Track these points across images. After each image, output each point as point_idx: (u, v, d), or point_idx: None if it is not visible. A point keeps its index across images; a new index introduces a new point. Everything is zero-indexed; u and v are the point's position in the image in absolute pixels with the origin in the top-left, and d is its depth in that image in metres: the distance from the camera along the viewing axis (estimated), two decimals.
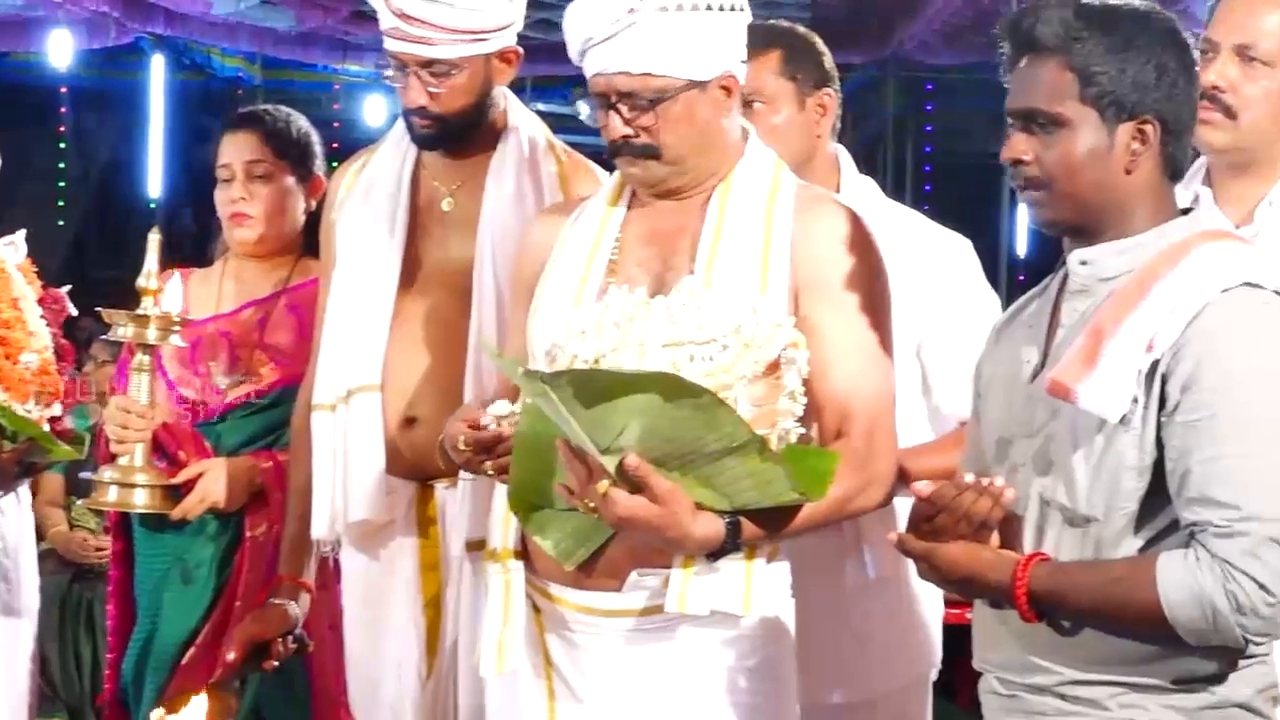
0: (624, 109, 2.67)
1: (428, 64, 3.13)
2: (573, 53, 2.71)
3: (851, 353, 2.65)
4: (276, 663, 3.37)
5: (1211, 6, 2.99)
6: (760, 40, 3.10)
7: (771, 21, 3.37)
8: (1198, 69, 2.35)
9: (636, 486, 2.43)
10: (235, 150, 3.68)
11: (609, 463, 2.42)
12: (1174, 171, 2.34)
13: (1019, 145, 2.32)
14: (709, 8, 2.66)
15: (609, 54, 2.65)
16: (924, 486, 2.31)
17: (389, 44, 3.15)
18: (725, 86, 2.71)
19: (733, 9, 2.69)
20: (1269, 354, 2.18)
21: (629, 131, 2.68)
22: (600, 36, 2.65)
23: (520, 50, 3.25)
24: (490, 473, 2.71)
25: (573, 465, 2.48)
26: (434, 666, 3.28)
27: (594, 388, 2.34)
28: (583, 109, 2.61)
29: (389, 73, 3.21)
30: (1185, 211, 2.36)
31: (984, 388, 2.50)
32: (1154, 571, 2.18)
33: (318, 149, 3.77)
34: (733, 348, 2.46)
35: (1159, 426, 2.21)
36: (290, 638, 3.38)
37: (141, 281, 3.41)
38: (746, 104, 3.14)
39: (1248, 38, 2.88)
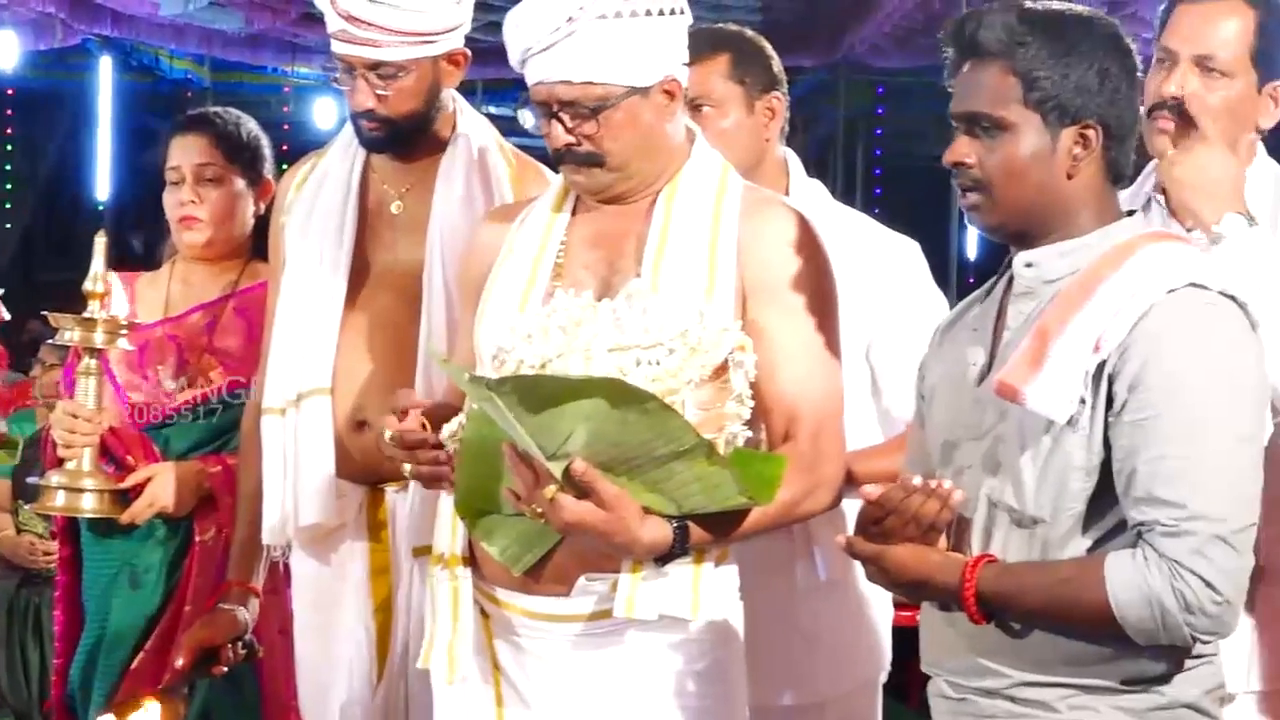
0: (566, 117, 2.67)
1: (375, 66, 3.13)
2: (514, 61, 2.70)
3: (798, 356, 2.65)
4: (226, 668, 3.36)
5: (1164, 12, 2.99)
6: (708, 44, 3.11)
7: (719, 25, 3.37)
8: (1140, 74, 2.36)
9: (584, 491, 2.43)
10: (185, 153, 3.66)
11: (556, 468, 2.41)
12: (1116, 175, 2.35)
13: (962, 148, 2.32)
14: (648, 13, 2.65)
15: (549, 63, 2.64)
16: (872, 489, 2.32)
17: (336, 47, 3.14)
18: (668, 91, 2.70)
19: (672, 12, 2.69)
20: (1215, 354, 2.20)
21: (572, 140, 2.67)
22: (540, 45, 2.64)
23: (468, 53, 3.24)
24: (407, 473, 2.70)
25: (519, 470, 2.47)
26: (385, 671, 3.27)
27: (540, 393, 2.33)
28: (526, 117, 2.61)
29: (337, 76, 3.20)
30: (1129, 214, 2.37)
31: (929, 390, 2.50)
32: (1102, 571, 2.19)
33: (268, 152, 3.76)
34: (679, 352, 2.46)
35: (1106, 427, 2.22)
36: (240, 643, 3.37)
37: (88, 285, 3.40)
38: (695, 108, 3.14)
39: (1206, 48, 2.88)
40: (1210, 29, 2.89)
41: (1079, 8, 2.34)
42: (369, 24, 3.09)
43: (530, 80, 2.69)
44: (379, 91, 3.14)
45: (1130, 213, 2.37)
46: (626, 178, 2.72)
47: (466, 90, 3.38)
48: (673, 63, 2.71)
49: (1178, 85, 2.87)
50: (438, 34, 3.15)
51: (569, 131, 2.67)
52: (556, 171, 2.85)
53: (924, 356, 2.55)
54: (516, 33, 2.67)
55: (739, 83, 3.22)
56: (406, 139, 3.22)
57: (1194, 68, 2.88)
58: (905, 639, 3.03)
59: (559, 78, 2.64)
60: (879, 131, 15.69)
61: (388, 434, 2.68)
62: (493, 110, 13.57)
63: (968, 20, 2.33)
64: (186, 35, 13.00)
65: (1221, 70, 2.87)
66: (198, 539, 3.56)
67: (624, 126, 2.67)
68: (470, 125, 3.32)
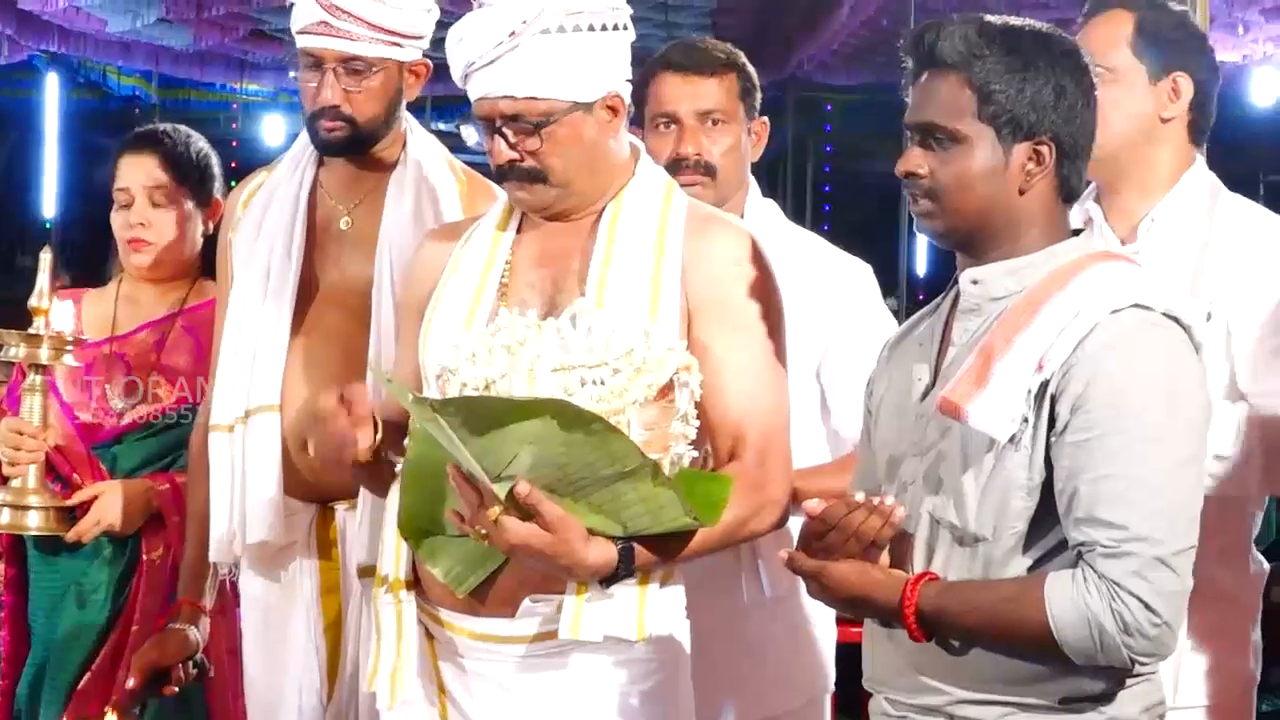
0: (509, 132, 2.65)
1: (347, 60, 3.15)
2: (457, 76, 2.69)
3: (744, 375, 2.64)
4: (177, 688, 3.34)
5: (1075, 32, 3.04)
6: (724, 61, 3.20)
7: (728, 45, 3.39)
8: (1096, 95, 2.36)
9: (528, 513, 2.42)
10: (134, 173, 3.64)
11: (500, 489, 2.40)
12: (1068, 194, 2.34)
13: (915, 159, 2.32)
14: (591, 28, 2.64)
15: (492, 77, 2.63)
16: (814, 505, 2.31)
17: (307, 40, 3.16)
18: (611, 106, 2.70)
19: (616, 28, 2.68)
20: (1157, 375, 2.19)
21: (515, 155, 2.66)
22: (483, 60, 2.63)
23: (429, 64, 3.26)
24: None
25: (463, 491, 2.46)
26: (335, 690, 3.26)
27: (484, 415, 2.32)
28: (470, 134, 2.60)
29: (298, 73, 3.20)
30: (1076, 233, 2.37)
31: (875, 406, 2.50)
32: (1042, 591, 2.18)
33: (217, 171, 3.75)
34: (624, 372, 2.45)
35: (1048, 446, 2.21)
36: (190, 663, 3.35)
37: (33, 301, 3.38)
38: (709, 120, 3.16)
39: (1098, 58, 2.92)
40: (1094, 37, 2.94)
41: (1039, 24, 2.34)
42: (349, 15, 3.12)
43: (473, 95, 2.68)
44: (347, 88, 3.15)
45: (1077, 231, 2.38)
46: (569, 194, 2.71)
47: (415, 106, 3.39)
48: (616, 79, 2.70)
49: None
50: (408, 38, 3.18)
51: (512, 147, 2.66)
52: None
53: (872, 372, 2.55)
54: (459, 47, 2.66)
55: (743, 101, 3.24)
56: (363, 145, 3.23)
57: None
58: (854, 654, 3.04)
59: (502, 92, 2.64)
60: (828, 148, 15.73)
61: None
62: (441, 126, 13.56)
63: (927, 30, 2.33)
64: (134, 52, 12.94)
65: (1106, 69, 2.88)
66: (145, 558, 3.55)
67: (567, 142, 2.66)
68: (420, 142, 3.33)
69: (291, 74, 12.87)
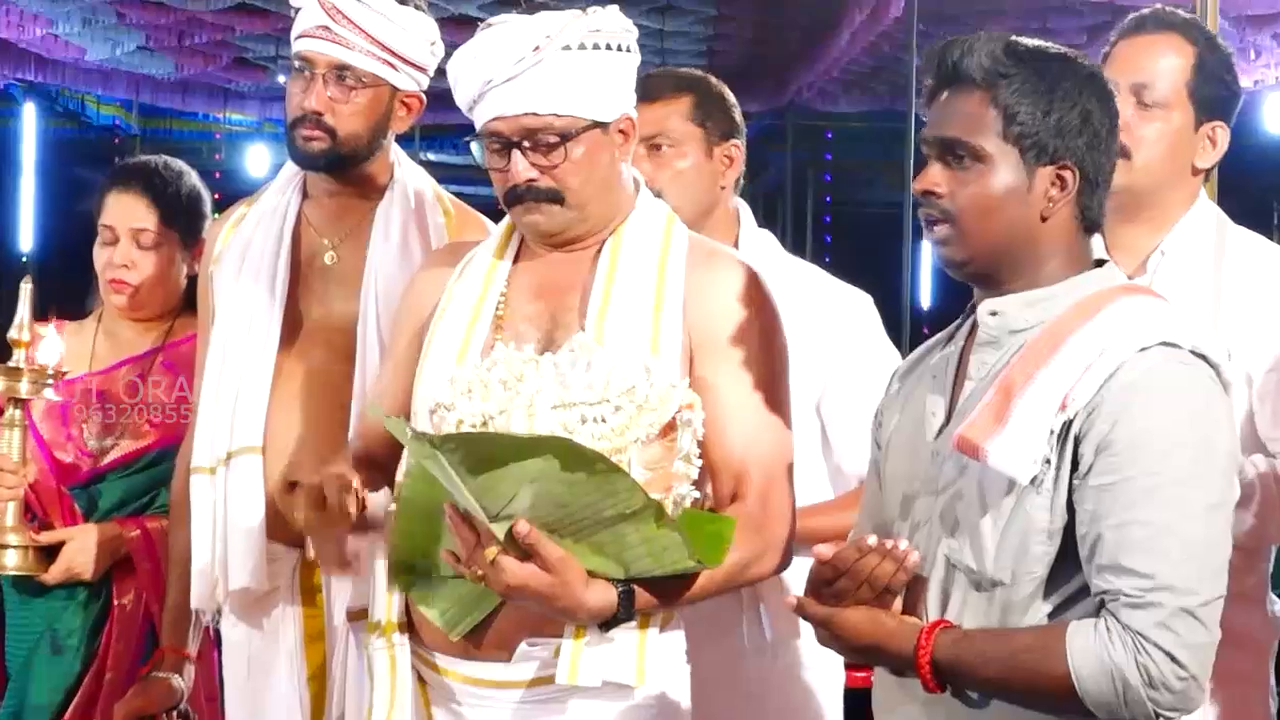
0: (529, 150, 2.66)
1: (340, 69, 3.16)
2: (465, 98, 2.69)
3: (747, 413, 2.64)
4: None
5: (1106, 50, 3.02)
6: (671, 84, 3.18)
7: (680, 68, 3.41)
8: (1119, 123, 2.35)
9: (527, 554, 2.41)
10: (121, 213, 3.62)
11: (499, 529, 2.40)
12: (1089, 224, 2.33)
13: (933, 177, 2.30)
14: (609, 47, 2.67)
15: (512, 94, 2.64)
16: (825, 549, 2.29)
17: (303, 44, 3.18)
18: (623, 130, 2.72)
19: (629, 50, 2.71)
20: (1186, 416, 2.17)
21: (534, 175, 2.66)
22: (502, 77, 2.64)
23: (423, 99, 3.27)
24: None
25: (460, 531, 2.45)
26: None
27: (485, 453, 2.32)
28: (478, 150, 2.59)
29: (289, 82, 3.21)
30: (1100, 263, 2.35)
31: (885, 439, 2.48)
32: (1063, 642, 2.15)
33: (207, 209, 3.74)
34: (625, 409, 2.45)
35: (1071, 489, 2.19)
36: (175, 712, 3.34)
37: (13, 333, 3.37)
38: (653, 146, 3.18)
39: (1144, 78, 2.92)
40: (1148, 60, 2.94)
41: (1063, 47, 2.33)
42: (352, 23, 3.14)
43: (488, 115, 2.68)
44: (333, 96, 3.16)
45: (1101, 262, 2.35)
46: (583, 218, 2.71)
47: (404, 136, 3.39)
48: (629, 101, 2.73)
49: None
50: (406, 63, 3.20)
51: (531, 165, 2.66)
52: (496, 220, 2.84)
53: (880, 402, 2.54)
54: (474, 65, 2.66)
55: (700, 125, 3.26)
56: (343, 164, 3.23)
57: (1130, 96, 2.90)
58: (861, 700, 3.02)
59: (524, 109, 2.64)
60: (828, 177, 15.78)
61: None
62: (430, 157, 13.60)
63: (951, 47, 2.31)
64: (114, 80, 12.99)
65: (1157, 102, 2.90)
66: (116, 603, 3.54)
67: (586, 162, 2.67)
68: (408, 174, 3.33)
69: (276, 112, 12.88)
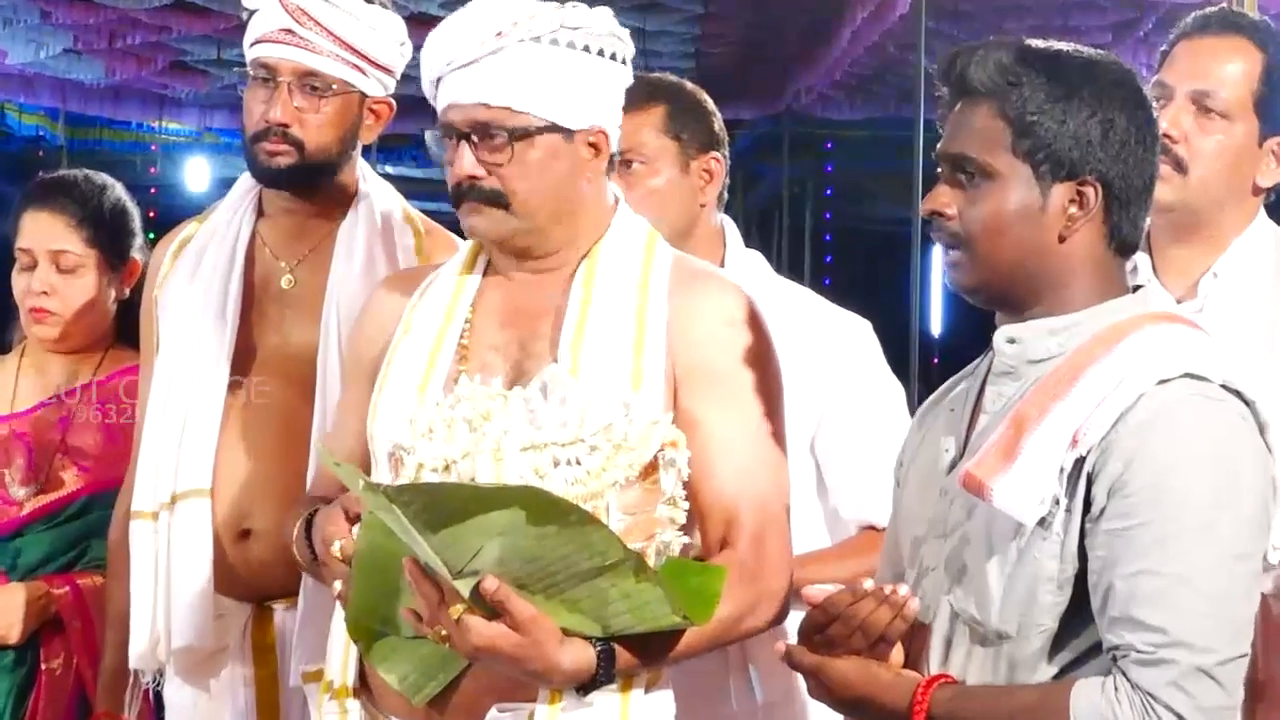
0: (477, 144, 2.66)
1: (305, 75, 3.18)
2: (429, 80, 2.70)
3: (738, 451, 2.63)
4: None
5: (1165, 49, 3.03)
6: (642, 93, 3.11)
7: (654, 74, 3.40)
8: (1158, 132, 2.35)
9: (495, 612, 2.41)
10: (39, 234, 3.63)
11: (464, 586, 2.39)
12: (1121, 244, 2.32)
13: (942, 196, 2.32)
14: (586, 50, 2.66)
15: (468, 81, 2.65)
16: (815, 592, 2.31)
17: (263, 51, 3.19)
18: (594, 144, 2.71)
19: (614, 58, 2.70)
20: (1209, 456, 2.16)
21: (478, 173, 2.66)
22: (461, 60, 2.64)
23: (392, 104, 3.29)
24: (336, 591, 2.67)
25: (421, 587, 2.43)
26: None
27: (448, 505, 2.30)
28: (433, 143, 2.58)
29: (246, 92, 3.22)
30: (1135, 289, 2.35)
31: (903, 476, 2.50)
32: (1067, 701, 2.14)
33: (136, 225, 3.73)
34: (602, 449, 2.43)
35: (1083, 534, 2.19)
36: None
37: None
38: (623, 163, 3.17)
39: (1206, 85, 2.92)
40: (1211, 65, 2.94)
41: (1086, 49, 2.34)
42: (316, 24, 3.16)
43: (444, 101, 2.69)
44: (299, 107, 3.18)
45: (1137, 287, 2.36)
46: (530, 230, 2.70)
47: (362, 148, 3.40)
48: (604, 114, 2.71)
49: (1171, 122, 2.90)
50: (375, 66, 3.23)
51: (478, 162, 2.66)
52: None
53: (904, 439, 2.55)
54: (438, 46, 2.67)
55: (674, 138, 3.25)
56: (307, 180, 3.25)
57: (1190, 105, 2.91)
58: None
59: (476, 99, 2.65)
60: (829, 191, 15.78)
61: (337, 545, 2.58)
62: (389, 170, 13.61)
63: (959, 54, 2.33)
64: (38, 86, 12.95)
65: (1219, 111, 2.91)
66: (44, 667, 3.54)
67: (537, 167, 2.66)
68: (374, 190, 3.35)
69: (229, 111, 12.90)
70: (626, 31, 2.74)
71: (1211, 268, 2.95)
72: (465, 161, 2.66)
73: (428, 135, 2.72)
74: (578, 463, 2.43)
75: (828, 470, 3.23)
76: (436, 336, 2.74)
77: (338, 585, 2.59)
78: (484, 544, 2.32)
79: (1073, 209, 2.29)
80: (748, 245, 3.38)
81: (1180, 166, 2.90)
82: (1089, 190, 2.28)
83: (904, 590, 2.28)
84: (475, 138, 2.66)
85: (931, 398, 2.55)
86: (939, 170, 2.35)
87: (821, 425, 3.20)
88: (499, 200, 2.67)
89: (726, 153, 3.32)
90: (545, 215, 2.69)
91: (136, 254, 3.70)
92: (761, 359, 2.69)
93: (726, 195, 3.35)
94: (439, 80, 2.68)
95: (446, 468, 2.45)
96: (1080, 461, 2.19)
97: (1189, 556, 2.14)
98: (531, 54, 2.64)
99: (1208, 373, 2.20)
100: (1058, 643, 2.23)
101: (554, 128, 2.66)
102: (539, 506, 2.30)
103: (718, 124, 3.32)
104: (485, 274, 2.80)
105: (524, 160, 2.65)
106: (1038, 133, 2.27)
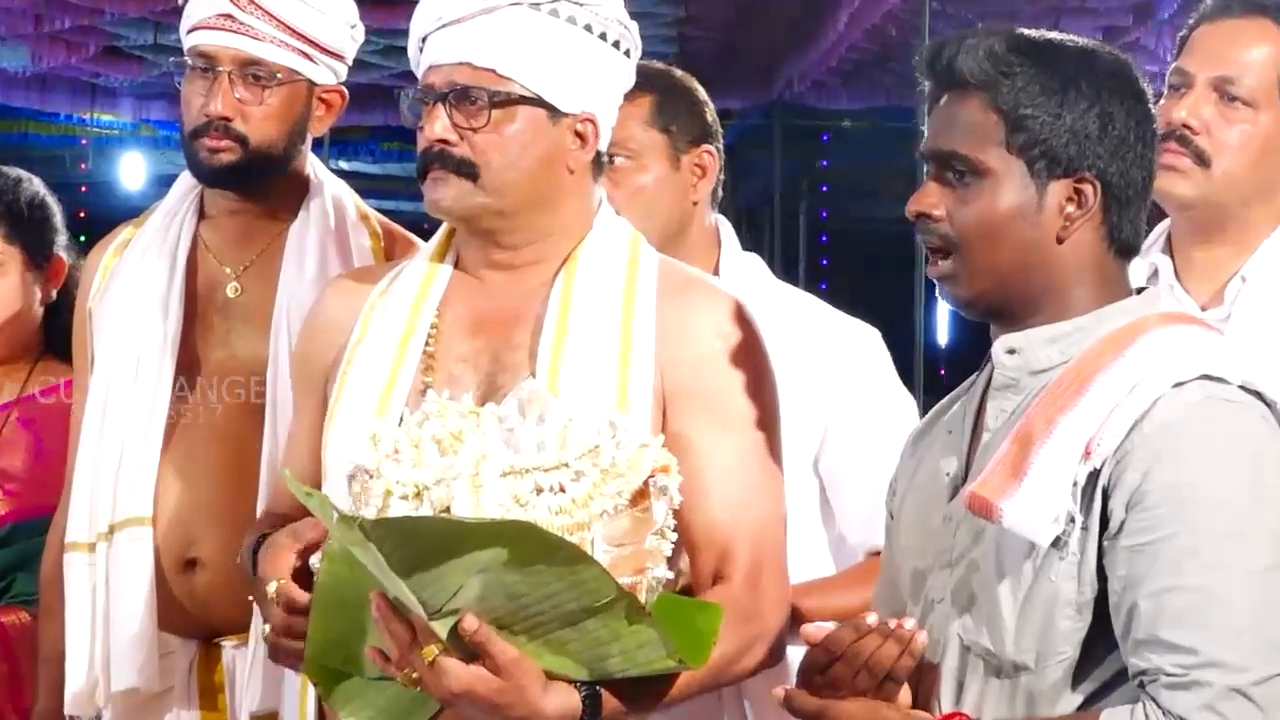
0: (453, 107, 2.67)
1: (247, 64, 3.19)
2: (415, 41, 2.71)
3: (732, 478, 2.64)
4: None
5: (1185, 33, 3.04)
6: None
7: (640, 62, 3.41)
8: (1156, 127, 2.36)
9: (474, 653, 2.41)
10: None
11: (440, 626, 2.39)
12: (1122, 246, 2.34)
13: (929, 197, 2.33)
14: (588, 28, 2.68)
15: (455, 39, 2.66)
16: (814, 629, 2.32)
17: (201, 38, 3.20)
18: (580, 132, 2.72)
19: (617, 46, 2.72)
20: (1233, 461, 2.17)
21: (450, 136, 2.66)
22: (451, 16, 2.65)
23: (344, 93, 3.30)
24: (264, 634, 2.65)
25: (391, 625, 2.40)
26: None
27: (430, 541, 2.28)
28: (405, 106, 2.62)
29: (183, 84, 3.23)
30: (1139, 291, 2.37)
31: (897, 506, 2.51)
32: None
33: (58, 221, 3.74)
34: (589, 475, 2.38)
35: (1101, 552, 2.20)
36: None
37: None
38: (609, 159, 3.18)
39: (1229, 70, 2.93)
40: (1234, 49, 2.95)
41: (1083, 40, 2.35)
42: (259, 8, 3.18)
43: (427, 61, 2.70)
44: (242, 98, 3.19)
45: (1141, 290, 2.38)
46: (498, 211, 2.69)
47: (313, 141, 3.41)
48: (598, 102, 2.73)
49: (1190, 112, 2.92)
50: (325, 52, 3.25)
51: (451, 126, 2.66)
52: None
53: (896, 468, 2.56)
54: (431, 2, 2.68)
55: (663, 131, 3.24)
56: (252, 178, 3.26)
57: (1211, 92, 2.93)
58: None
59: (460, 58, 2.65)
60: (825, 189, 15.81)
61: (274, 586, 2.60)
62: (343, 165, 13.58)
63: (946, 45, 2.34)
64: None
65: (1244, 99, 2.92)
66: None
67: (516, 140, 2.67)
68: (327, 188, 3.35)
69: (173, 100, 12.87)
70: (634, 25, 2.75)
71: (1239, 271, 2.96)
72: (437, 124, 2.67)
73: (402, 98, 2.73)
74: (562, 490, 2.38)
75: (832, 491, 3.23)
76: (400, 343, 2.74)
77: (266, 628, 2.60)
78: (465, 580, 2.32)
79: (1070, 208, 2.30)
80: None
81: (1202, 160, 2.91)
82: (1087, 188, 2.30)
83: (910, 624, 2.29)
84: (453, 100, 2.67)
85: (924, 420, 2.56)
86: (926, 169, 2.36)
87: (826, 442, 3.20)
88: (468, 170, 2.67)
89: (720, 146, 3.32)
90: (517, 196, 2.70)
91: (61, 252, 3.71)
92: (757, 376, 2.70)
93: (721, 192, 3.36)
94: (425, 39, 2.70)
95: (418, 494, 2.41)
96: (1095, 474, 2.20)
97: (1218, 569, 2.14)
98: (528, 20, 2.66)
99: (1226, 374, 2.21)
100: (1079, 672, 2.23)
101: (539, 102, 2.67)
102: (527, 543, 2.28)
103: (710, 114, 3.32)
104: (452, 277, 2.79)
105: (501, 130, 2.66)
106: (1032, 127, 2.29)
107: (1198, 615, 2.13)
